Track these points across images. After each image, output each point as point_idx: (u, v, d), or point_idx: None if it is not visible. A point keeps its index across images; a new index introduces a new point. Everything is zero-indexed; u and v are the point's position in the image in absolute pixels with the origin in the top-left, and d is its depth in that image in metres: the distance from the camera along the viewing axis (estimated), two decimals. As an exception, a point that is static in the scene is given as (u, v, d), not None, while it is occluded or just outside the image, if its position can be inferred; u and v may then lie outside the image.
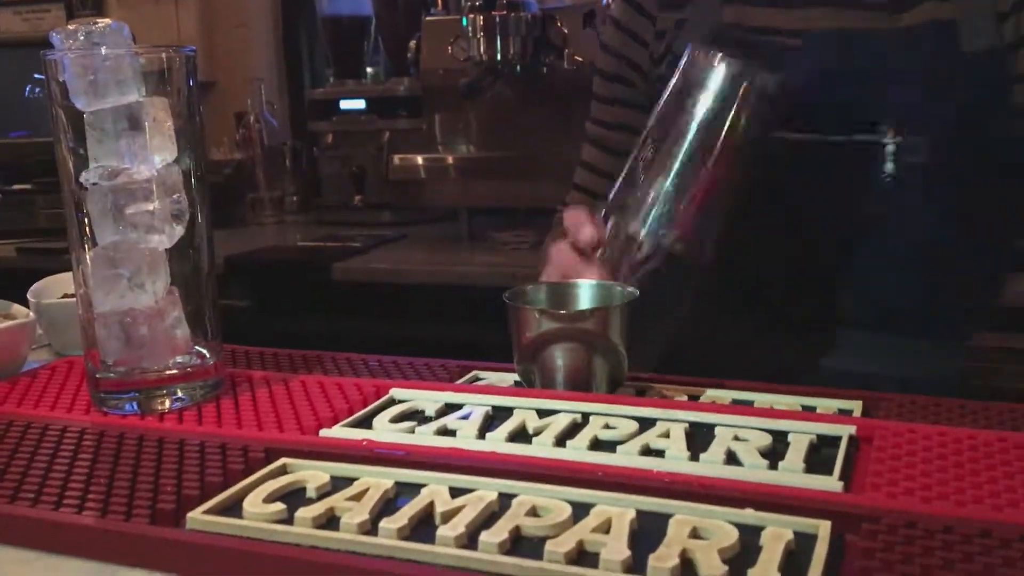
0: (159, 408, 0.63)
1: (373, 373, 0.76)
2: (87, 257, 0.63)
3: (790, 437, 0.55)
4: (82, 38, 0.61)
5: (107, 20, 0.62)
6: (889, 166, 0.79)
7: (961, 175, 0.81)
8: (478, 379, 0.74)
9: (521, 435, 0.58)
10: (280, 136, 2.34)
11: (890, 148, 0.79)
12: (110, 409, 0.63)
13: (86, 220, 0.63)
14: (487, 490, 0.50)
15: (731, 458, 0.53)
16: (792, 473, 0.51)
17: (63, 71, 0.61)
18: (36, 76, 2.23)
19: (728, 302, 0.90)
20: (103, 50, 0.61)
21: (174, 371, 0.64)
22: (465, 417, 0.60)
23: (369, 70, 2.28)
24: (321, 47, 2.47)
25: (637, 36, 0.94)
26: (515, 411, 0.61)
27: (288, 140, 2.34)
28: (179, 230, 0.64)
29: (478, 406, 0.62)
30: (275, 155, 2.31)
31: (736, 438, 0.55)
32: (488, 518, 0.47)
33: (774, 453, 0.53)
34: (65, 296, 0.84)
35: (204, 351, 0.66)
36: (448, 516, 0.47)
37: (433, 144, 2.03)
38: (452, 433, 0.59)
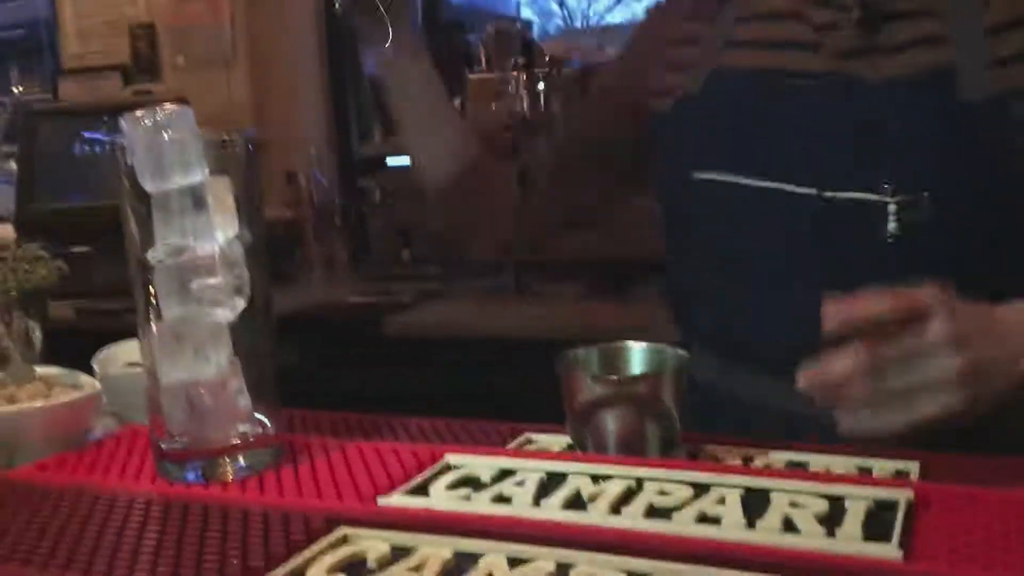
0: (223, 477, 0.65)
1: (427, 436, 0.77)
2: (153, 330, 0.66)
3: (847, 503, 0.55)
4: (150, 123, 0.64)
5: (173, 105, 0.65)
6: (892, 225, 0.77)
7: (967, 231, 0.78)
8: (530, 441, 0.74)
9: (576, 502, 0.58)
10: (329, 193, 2.40)
11: (892, 207, 0.76)
12: (175, 479, 0.65)
13: (152, 295, 0.66)
14: (544, 560, 0.50)
15: (788, 525, 0.53)
16: (850, 541, 0.51)
17: (131, 154, 0.64)
18: (86, 135, 2.32)
19: (734, 361, 0.89)
20: (168, 134, 0.64)
21: (237, 440, 0.66)
22: (520, 483, 0.61)
23: (415, 128, 2.32)
24: (368, 106, 2.53)
25: (641, 51, 0.98)
26: (569, 476, 0.62)
27: (337, 197, 2.39)
28: (241, 303, 0.66)
29: (532, 472, 0.63)
30: (324, 213, 2.36)
31: (792, 504, 0.55)
32: (546, 589, 0.48)
33: (831, 519, 0.53)
34: (129, 364, 0.87)
35: (265, 419, 0.68)
36: (507, 587, 0.48)
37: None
38: (508, 500, 0.59)
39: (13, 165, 2.80)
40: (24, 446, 0.73)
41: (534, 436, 0.75)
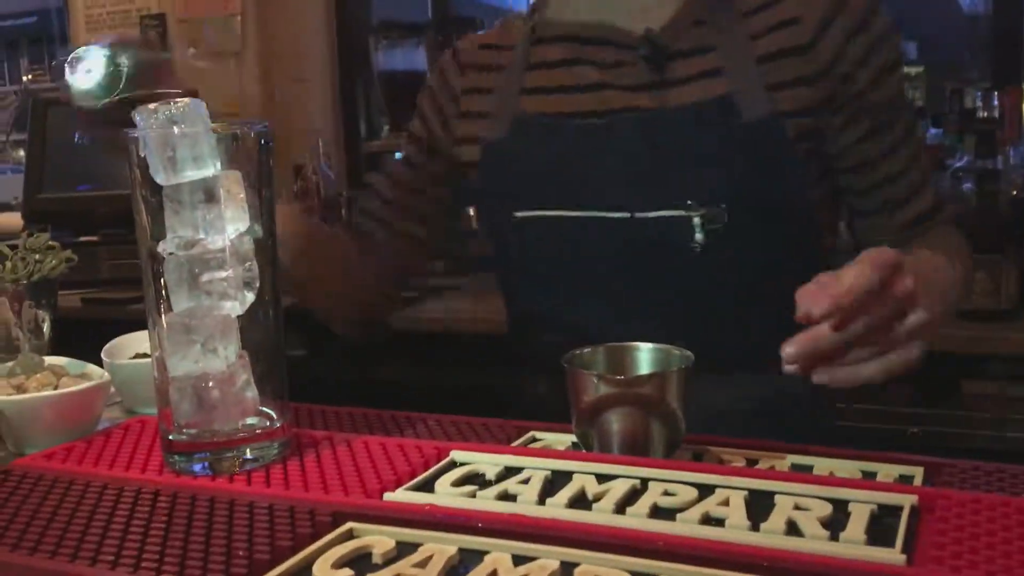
0: (229, 470, 0.65)
1: (432, 433, 0.77)
2: (163, 322, 0.66)
3: (851, 507, 0.55)
4: (162, 117, 0.64)
5: (186, 99, 0.65)
6: (699, 236, 0.86)
7: (760, 233, 0.88)
8: (535, 440, 0.75)
9: (581, 501, 0.59)
10: (336, 187, 2.40)
11: (696, 220, 0.86)
12: (182, 470, 0.66)
13: (162, 287, 0.66)
14: (549, 558, 0.51)
15: (792, 528, 0.53)
16: (854, 545, 0.51)
17: (144, 147, 0.64)
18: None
19: None
20: (181, 128, 0.64)
21: (244, 433, 0.66)
22: (525, 481, 0.61)
23: (423, 123, 2.32)
24: (377, 100, 2.53)
25: (442, 109, 1.04)
26: (574, 475, 0.62)
27: (344, 191, 2.39)
28: (251, 297, 0.66)
29: (537, 470, 0.63)
30: (332, 206, 2.36)
31: (796, 507, 0.55)
32: (550, 587, 0.48)
33: (835, 523, 0.53)
34: (137, 356, 0.87)
35: (272, 412, 0.68)
36: (512, 585, 0.48)
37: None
38: (513, 498, 0.60)
39: (21, 153, 2.81)
40: (33, 435, 0.74)
41: (539, 434, 0.75)
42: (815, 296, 0.62)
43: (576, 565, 0.50)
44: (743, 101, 0.87)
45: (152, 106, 0.65)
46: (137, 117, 0.65)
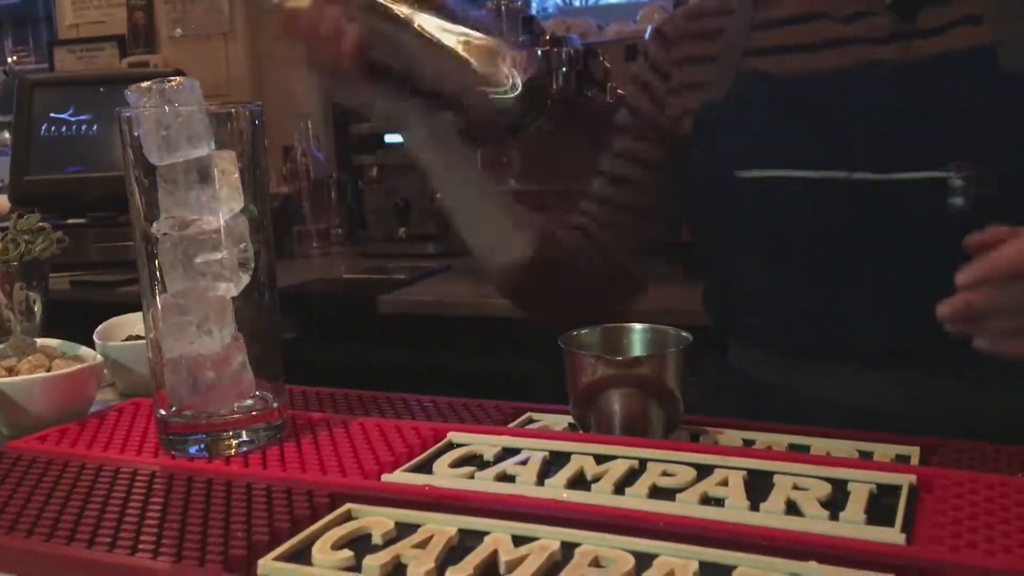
0: (225, 451, 0.65)
1: (429, 414, 0.77)
2: (158, 304, 0.66)
3: (849, 486, 0.55)
4: (156, 95, 0.64)
5: (179, 78, 0.64)
6: (958, 200, 0.77)
7: None
8: (532, 421, 0.74)
9: (579, 481, 0.59)
10: (326, 169, 2.38)
11: (957, 183, 0.76)
12: (178, 452, 0.65)
13: (156, 268, 0.65)
14: (549, 539, 0.51)
15: (791, 508, 0.53)
16: (853, 524, 0.51)
17: (138, 127, 0.64)
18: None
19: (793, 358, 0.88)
20: (175, 107, 0.63)
21: (239, 414, 0.66)
22: (523, 462, 0.61)
23: (413, 104, 2.31)
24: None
25: (649, 86, 0.96)
26: (572, 456, 0.62)
27: (334, 173, 2.38)
28: (245, 278, 0.66)
29: (535, 451, 0.63)
30: (321, 188, 2.35)
31: (795, 487, 0.55)
32: (551, 568, 0.48)
33: (834, 503, 0.54)
34: (130, 338, 0.87)
35: (268, 394, 0.68)
36: (512, 565, 0.48)
37: (476, 176, 2.05)
38: (511, 479, 0.59)
39: (7, 135, 2.78)
40: (26, 417, 0.73)
41: (536, 415, 0.75)
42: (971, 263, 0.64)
43: (577, 545, 0.50)
44: (1008, 51, 0.77)
45: (145, 84, 0.64)
46: (130, 96, 0.64)
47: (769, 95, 0.86)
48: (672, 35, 0.96)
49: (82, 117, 2.30)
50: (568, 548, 0.50)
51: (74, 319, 0.89)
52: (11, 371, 0.75)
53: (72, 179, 2.30)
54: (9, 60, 3.47)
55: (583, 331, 0.69)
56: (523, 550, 0.49)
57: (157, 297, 0.66)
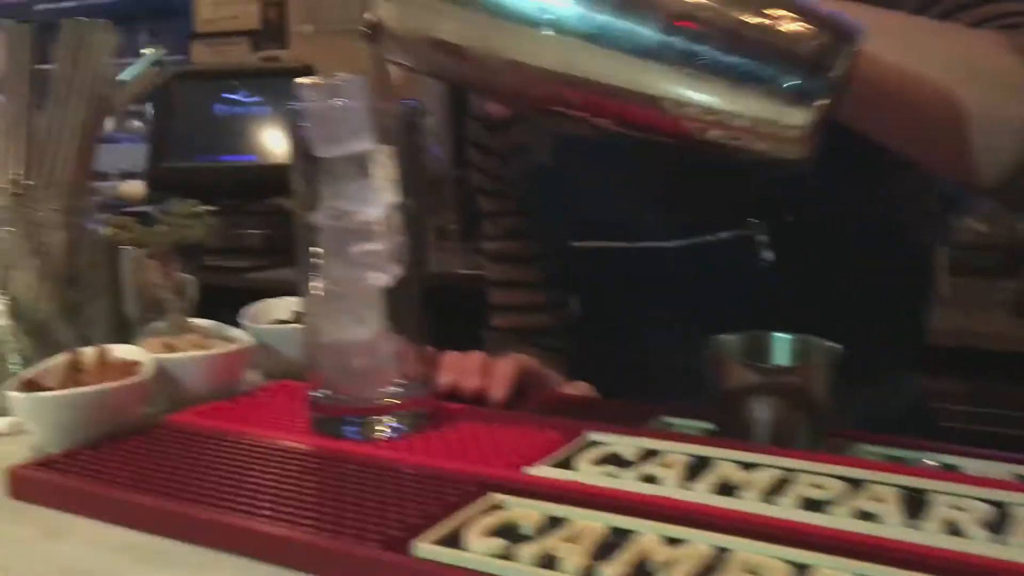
0: (377, 435, 0.67)
1: (559, 411, 0.77)
2: (315, 290, 0.68)
3: (1012, 509, 0.54)
4: (324, 91, 0.66)
5: (347, 74, 0.67)
6: (766, 254, 0.83)
7: (831, 246, 0.84)
8: (666, 424, 0.74)
9: (725, 487, 0.58)
10: (444, 167, 2.43)
11: (762, 238, 0.82)
12: (328, 434, 0.68)
13: (314, 256, 0.68)
14: (700, 542, 0.51)
15: (950, 527, 0.52)
16: (1019, 548, 0.49)
17: (305, 120, 0.66)
18: (225, 96, 2.40)
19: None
20: (342, 102, 0.66)
21: (390, 401, 0.68)
22: (666, 465, 0.62)
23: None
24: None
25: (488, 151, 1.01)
26: (715, 462, 0.62)
27: (453, 171, 2.42)
28: (399, 270, 0.68)
29: (678, 454, 0.63)
30: (439, 185, 2.39)
31: (953, 507, 0.54)
32: (703, 572, 0.48)
33: (996, 525, 0.52)
34: (276, 321, 0.90)
35: (416, 383, 0.70)
36: (665, 566, 0.48)
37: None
38: (656, 480, 0.60)
39: (138, 124, 2.92)
40: (182, 392, 0.77)
41: (669, 419, 0.75)
42: None
43: (728, 551, 0.50)
44: None
45: (315, 80, 0.67)
46: (300, 91, 0.67)
47: (587, 164, 0.90)
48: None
49: (217, 108, 2.41)
50: (721, 553, 0.50)
51: (204, 303, 0.93)
52: (170, 348, 0.80)
53: (203, 168, 2.40)
54: (146, 52, 3.65)
55: (728, 337, 0.69)
56: (678, 552, 0.50)
57: (313, 284, 0.68)
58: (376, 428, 0.67)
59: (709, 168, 0.82)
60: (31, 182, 0.77)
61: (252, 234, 2.26)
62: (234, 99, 2.33)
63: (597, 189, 0.91)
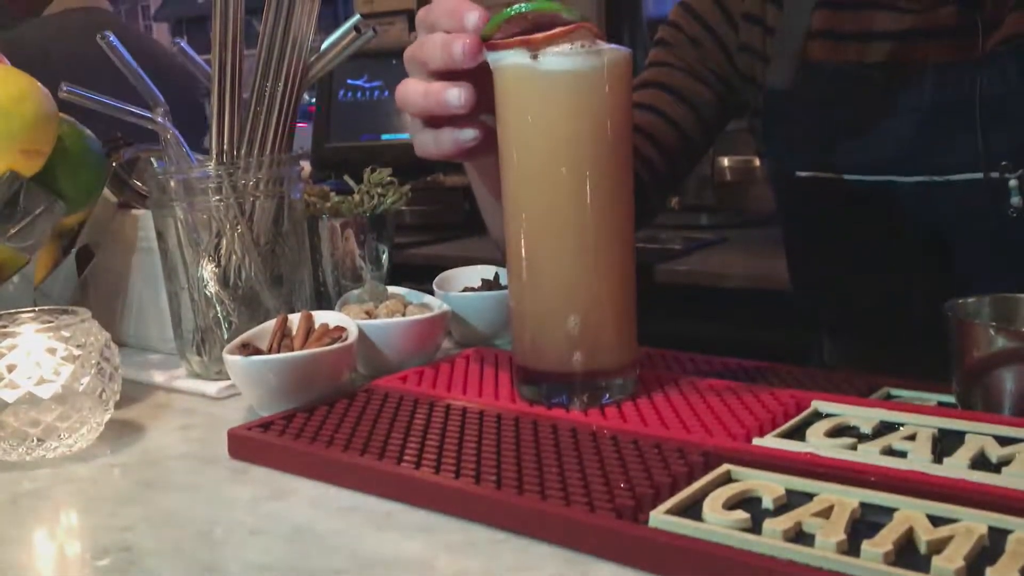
0: (587, 403, 0.65)
1: (784, 381, 0.72)
2: (524, 259, 0.67)
3: None
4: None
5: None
6: (1016, 200, 0.77)
7: None
8: (890, 396, 0.69)
9: (982, 463, 0.53)
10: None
11: (1012, 183, 0.76)
12: (536, 400, 0.66)
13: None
14: (973, 521, 0.46)
15: None
16: None
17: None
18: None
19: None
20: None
21: (598, 367, 0.65)
22: (910, 437, 0.57)
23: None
24: (644, 47, 2.49)
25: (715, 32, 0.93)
26: (967, 436, 0.56)
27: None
28: (610, 231, 0.65)
29: (922, 427, 0.58)
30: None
31: None
32: (980, 552, 0.44)
33: None
34: (466, 289, 0.90)
35: (623, 351, 0.67)
36: (935, 546, 0.44)
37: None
38: (900, 454, 0.55)
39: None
40: (382, 359, 0.78)
41: (894, 391, 0.69)
42: None
43: (1007, 532, 0.45)
44: None
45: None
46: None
47: (828, 92, 0.84)
48: None
49: (375, 84, 2.45)
50: (997, 534, 0.45)
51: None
52: (369, 315, 0.80)
53: (366, 146, 2.46)
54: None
55: (970, 300, 0.63)
56: (945, 531, 0.45)
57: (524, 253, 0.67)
58: (586, 395, 0.65)
59: (966, 104, 0.78)
60: (239, 151, 0.79)
61: (414, 211, 2.29)
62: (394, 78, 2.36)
63: (833, 118, 0.86)
